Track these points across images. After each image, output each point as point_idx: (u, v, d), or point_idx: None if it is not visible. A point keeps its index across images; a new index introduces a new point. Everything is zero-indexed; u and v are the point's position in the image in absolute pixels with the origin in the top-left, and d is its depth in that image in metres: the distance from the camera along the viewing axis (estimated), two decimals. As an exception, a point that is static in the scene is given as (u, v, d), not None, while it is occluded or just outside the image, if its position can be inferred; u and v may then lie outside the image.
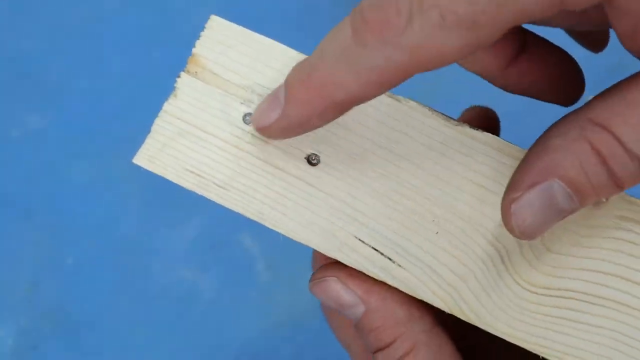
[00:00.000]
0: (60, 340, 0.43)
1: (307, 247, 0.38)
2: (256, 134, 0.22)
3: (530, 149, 0.21)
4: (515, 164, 0.21)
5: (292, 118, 0.21)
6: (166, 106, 0.25)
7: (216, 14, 0.36)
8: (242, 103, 0.23)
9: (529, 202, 0.20)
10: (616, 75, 0.57)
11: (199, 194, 0.23)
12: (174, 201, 0.49)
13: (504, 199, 0.20)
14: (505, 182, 0.21)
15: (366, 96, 0.20)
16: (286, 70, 0.22)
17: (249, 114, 0.23)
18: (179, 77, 0.24)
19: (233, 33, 0.26)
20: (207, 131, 0.23)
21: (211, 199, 0.23)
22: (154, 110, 0.59)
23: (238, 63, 0.24)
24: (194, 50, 0.25)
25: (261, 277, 0.45)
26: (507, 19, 0.18)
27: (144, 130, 0.57)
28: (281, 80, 0.23)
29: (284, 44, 0.27)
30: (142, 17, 0.61)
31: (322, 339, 0.43)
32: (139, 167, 0.53)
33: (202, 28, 0.26)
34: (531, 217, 0.20)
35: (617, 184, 0.19)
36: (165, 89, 0.61)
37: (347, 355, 0.42)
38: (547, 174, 0.20)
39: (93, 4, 0.62)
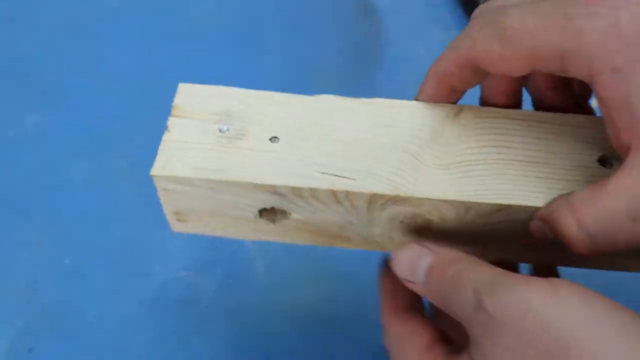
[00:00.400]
0: (57, 341, 0.43)
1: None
2: (232, 136, 0.34)
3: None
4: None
5: (442, 58, 0.32)
6: (164, 137, 0.35)
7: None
8: (215, 122, 0.35)
9: None
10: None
11: (205, 178, 0.33)
12: (172, 201, 0.49)
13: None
14: (395, 121, 0.34)
15: (463, 62, 0.30)
16: (243, 100, 0.36)
17: (223, 127, 0.34)
18: (168, 120, 0.35)
19: (198, 88, 0.37)
20: (196, 142, 0.34)
21: (215, 179, 0.33)
22: (153, 110, 0.59)
23: (205, 101, 0.36)
24: (173, 103, 0.36)
25: (260, 277, 0.45)
26: (524, 51, 0.28)
27: (143, 130, 0.58)
28: (242, 103, 0.36)
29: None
30: (142, 16, 0.61)
31: (322, 340, 0.43)
32: (136, 167, 0.53)
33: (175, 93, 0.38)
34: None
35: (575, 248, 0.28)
36: (163, 89, 0.61)
37: (346, 356, 0.42)
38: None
39: (92, 3, 0.62)
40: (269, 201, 0.34)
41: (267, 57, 0.58)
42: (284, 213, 0.35)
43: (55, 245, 0.47)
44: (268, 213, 0.35)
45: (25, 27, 0.60)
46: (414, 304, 0.31)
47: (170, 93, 0.55)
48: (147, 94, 0.56)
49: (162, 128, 0.53)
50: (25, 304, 0.44)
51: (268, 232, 0.37)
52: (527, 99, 0.36)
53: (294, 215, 0.35)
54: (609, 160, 0.33)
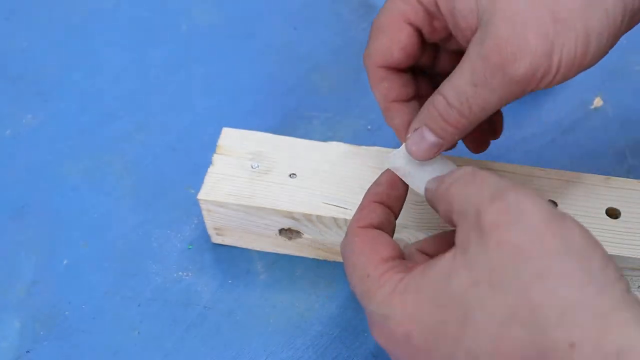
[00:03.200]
0: (55, 343, 0.43)
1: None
2: (261, 171, 0.44)
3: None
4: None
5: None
6: (210, 169, 0.44)
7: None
8: (249, 160, 0.44)
9: (413, 138, 0.37)
10: (617, 75, 0.56)
11: (239, 203, 0.42)
12: (170, 201, 0.49)
13: (407, 135, 0.37)
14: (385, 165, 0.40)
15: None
16: (269, 143, 0.45)
17: (254, 164, 0.44)
18: (213, 156, 0.44)
19: (237, 133, 0.46)
20: (233, 175, 0.44)
21: (246, 204, 0.42)
22: (150, 109, 0.59)
23: (241, 143, 0.45)
24: (218, 142, 0.45)
25: (260, 277, 0.45)
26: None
27: (140, 130, 0.58)
28: (269, 145, 0.45)
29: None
30: (139, 15, 0.61)
31: (320, 341, 0.43)
32: (134, 167, 0.53)
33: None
34: (415, 145, 0.36)
35: (449, 124, 0.35)
36: (161, 88, 0.61)
37: (345, 356, 0.42)
38: (421, 124, 0.36)
39: (89, 1, 0.62)
40: (287, 223, 0.43)
41: (266, 56, 0.58)
42: (298, 233, 0.44)
43: (53, 246, 0.47)
44: (286, 232, 0.44)
45: (21, 27, 0.60)
46: (384, 224, 0.35)
47: (168, 92, 0.55)
48: (145, 93, 0.55)
49: (160, 127, 0.53)
50: (22, 306, 0.44)
51: (285, 247, 0.45)
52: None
53: (306, 235, 0.44)
54: (553, 204, 0.42)
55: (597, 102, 0.54)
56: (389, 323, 0.30)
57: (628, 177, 0.43)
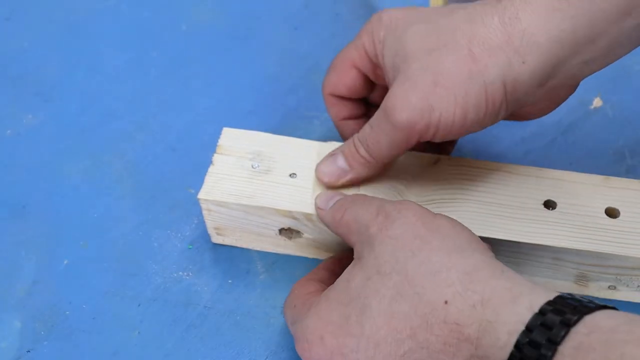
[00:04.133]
0: (55, 342, 0.43)
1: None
2: (261, 171, 0.44)
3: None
4: None
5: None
6: (210, 169, 0.44)
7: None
8: (250, 159, 0.44)
9: (325, 161, 0.43)
10: (617, 75, 0.56)
11: (239, 203, 0.42)
12: (170, 201, 0.49)
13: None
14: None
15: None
16: (269, 142, 0.45)
17: (255, 164, 0.44)
18: (213, 156, 0.44)
19: (237, 133, 0.46)
20: (234, 174, 0.44)
21: (246, 204, 0.42)
22: (150, 109, 0.59)
23: (242, 143, 0.45)
24: (218, 142, 0.45)
25: (260, 277, 0.45)
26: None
27: (140, 130, 0.57)
28: (269, 145, 0.45)
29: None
30: (139, 15, 0.61)
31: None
32: (134, 167, 0.53)
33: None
34: (324, 166, 0.43)
35: (359, 154, 0.41)
36: (160, 88, 0.61)
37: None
38: (338, 151, 0.43)
39: (89, 1, 0.62)
40: (287, 223, 0.43)
41: (266, 56, 0.58)
42: (298, 232, 0.44)
43: (53, 246, 0.47)
44: (286, 232, 0.44)
45: (21, 26, 0.60)
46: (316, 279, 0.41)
47: (168, 92, 0.55)
48: (144, 94, 0.55)
49: (160, 127, 0.53)
50: (23, 306, 0.44)
51: (285, 247, 0.46)
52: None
53: (306, 235, 0.44)
54: (552, 204, 0.42)
55: (597, 102, 0.54)
56: (308, 332, 0.35)
57: (627, 177, 0.44)
